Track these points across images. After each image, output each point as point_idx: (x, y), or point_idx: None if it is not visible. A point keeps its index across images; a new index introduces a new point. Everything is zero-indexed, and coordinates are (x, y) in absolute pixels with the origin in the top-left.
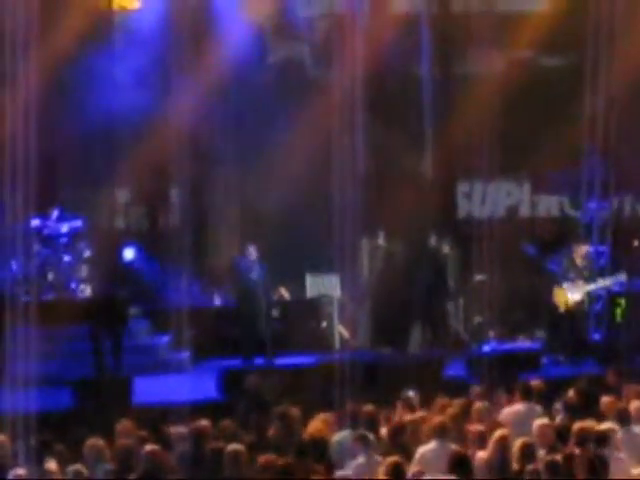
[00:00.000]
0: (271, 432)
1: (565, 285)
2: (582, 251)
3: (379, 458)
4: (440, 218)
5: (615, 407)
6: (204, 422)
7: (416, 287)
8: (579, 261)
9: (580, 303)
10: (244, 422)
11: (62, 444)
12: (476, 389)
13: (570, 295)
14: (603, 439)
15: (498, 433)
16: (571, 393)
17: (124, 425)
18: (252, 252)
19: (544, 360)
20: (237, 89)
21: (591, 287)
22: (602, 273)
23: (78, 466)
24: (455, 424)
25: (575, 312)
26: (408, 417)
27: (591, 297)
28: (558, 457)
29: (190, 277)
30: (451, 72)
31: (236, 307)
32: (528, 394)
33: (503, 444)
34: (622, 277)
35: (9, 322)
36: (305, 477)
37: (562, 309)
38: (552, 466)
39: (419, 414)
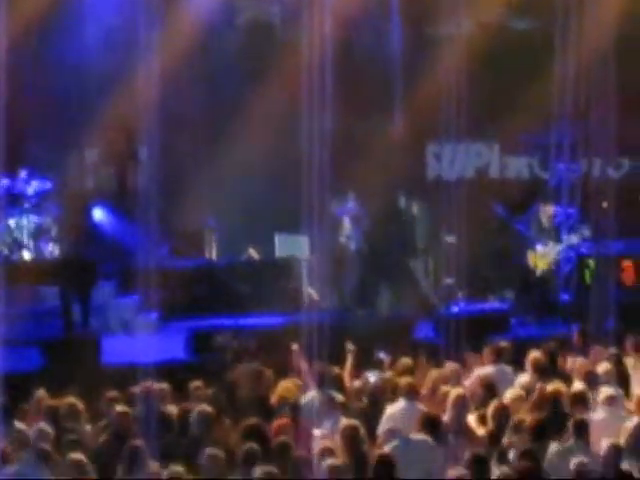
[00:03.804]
0: (241, 393)
1: (538, 247)
2: (549, 212)
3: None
4: (409, 179)
5: (582, 369)
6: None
7: (385, 248)
8: (545, 221)
9: (552, 264)
10: (213, 383)
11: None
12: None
13: (544, 257)
14: (580, 400)
15: (454, 393)
16: (538, 354)
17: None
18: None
19: (513, 321)
20: (205, 50)
21: (559, 247)
22: (570, 234)
23: (42, 425)
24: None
25: (545, 274)
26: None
27: (559, 258)
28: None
29: (159, 237)
30: (422, 33)
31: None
32: (498, 355)
33: (460, 404)
34: (585, 233)
35: None
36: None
37: (538, 271)
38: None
39: (388, 375)
